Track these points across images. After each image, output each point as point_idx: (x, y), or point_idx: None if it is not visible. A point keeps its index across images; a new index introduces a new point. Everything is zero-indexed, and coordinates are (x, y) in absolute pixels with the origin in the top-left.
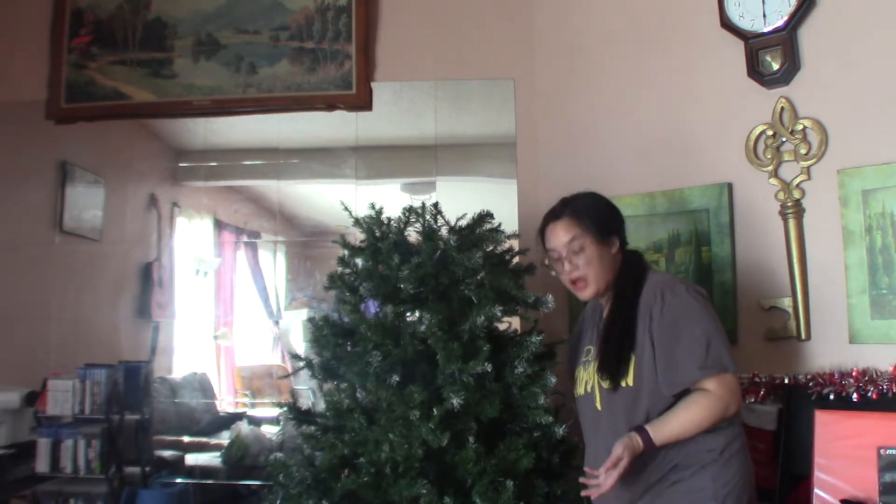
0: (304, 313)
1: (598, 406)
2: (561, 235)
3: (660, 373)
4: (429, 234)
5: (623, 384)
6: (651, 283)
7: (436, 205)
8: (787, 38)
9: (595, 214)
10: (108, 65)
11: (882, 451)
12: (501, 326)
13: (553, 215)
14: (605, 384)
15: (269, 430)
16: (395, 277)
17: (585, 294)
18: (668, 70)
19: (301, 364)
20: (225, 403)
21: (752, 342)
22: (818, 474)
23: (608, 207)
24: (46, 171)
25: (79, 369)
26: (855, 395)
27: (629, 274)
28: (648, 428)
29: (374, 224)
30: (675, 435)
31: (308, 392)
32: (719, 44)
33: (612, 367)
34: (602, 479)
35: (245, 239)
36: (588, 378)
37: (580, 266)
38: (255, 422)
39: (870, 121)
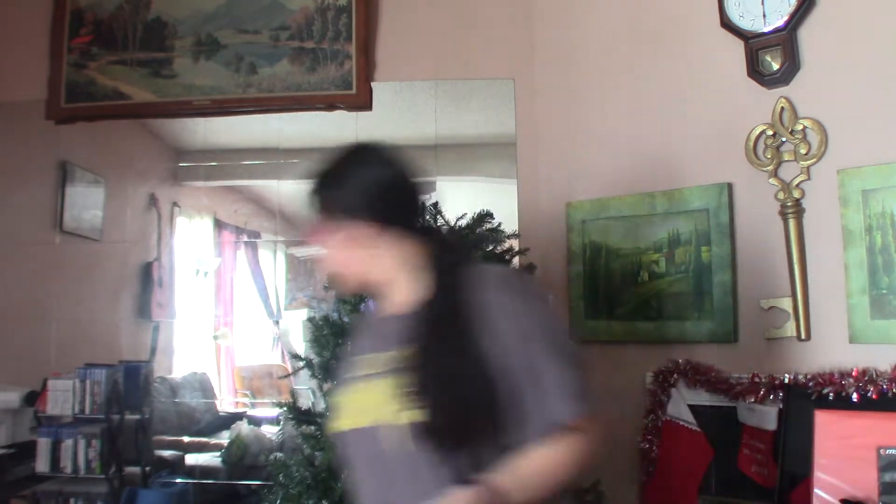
0: (304, 313)
1: (385, 445)
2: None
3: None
4: None
5: None
6: (476, 278)
7: (436, 205)
8: (787, 38)
9: (341, 198)
10: (109, 65)
11: (882, 451)
12: None
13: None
14: (411, 417)
15: (269, 430)
16: None
17: (344, 289)
18: (667, 70)
19: (301, 364)
20: (225, 403)
21: (752, 342)
22: (818, 474)
23: (366, 179)
24: (46, 171)
25: (79, 369)
26: (855, 395)
27: (436, 266)
28: (494, 481)
29: None
30: (532, 489)
31: (308, 392)
32: (719, 44)
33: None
34: None
35: (245, 239)
36: (366, 404)
37: (328, 264)
38: (255, 422)
39: (870, 121)
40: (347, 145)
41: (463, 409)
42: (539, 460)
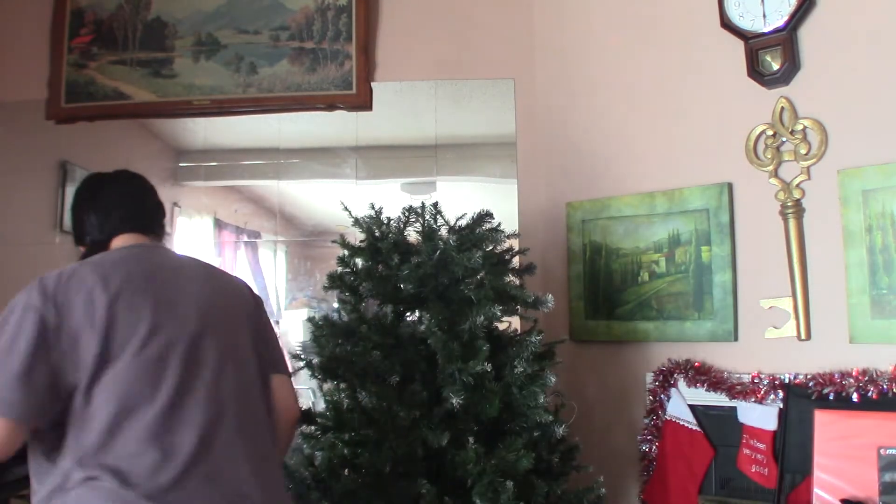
0: (304, 313)
1: None
2: None
3: None
4: (429, 234)
5: None
6: None
7: (436, 205)
8: (787, 38)
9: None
10: (109, 64)
11: (882, 451)
12: (501, 326)
13: None
14: None
15: None
16: (395, 277)
17: None
18: (667, 70)
19: (301, 364)
20: None
21: (752, 342)
22: (818, 474)
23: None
24: (46, 171)
25: None
26: (855, 395)
27: None
28: None
29: (373, 224)
30: None
31: (308, 392)
32: (719, 44)
33: None
34: None
35: (245, 239)
36: None
37: None
38: None
39: (870, 121)
40: None
41: None
42: None
